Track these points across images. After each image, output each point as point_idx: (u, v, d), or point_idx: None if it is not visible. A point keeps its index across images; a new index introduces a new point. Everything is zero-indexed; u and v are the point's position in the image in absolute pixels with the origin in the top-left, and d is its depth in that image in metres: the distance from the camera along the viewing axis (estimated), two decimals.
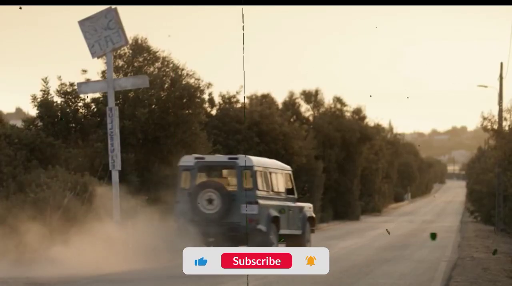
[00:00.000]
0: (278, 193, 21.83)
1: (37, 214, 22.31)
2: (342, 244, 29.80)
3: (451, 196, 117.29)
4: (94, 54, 22.70)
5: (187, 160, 21.58)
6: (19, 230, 21.97)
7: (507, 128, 34.45)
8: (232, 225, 20.65)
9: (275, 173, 21.98)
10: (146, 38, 29.12)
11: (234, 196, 20.62)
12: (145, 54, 28.83)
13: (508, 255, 25.04)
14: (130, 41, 26.37)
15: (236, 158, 21.24)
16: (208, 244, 20.67)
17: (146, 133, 27.55)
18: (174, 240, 20.68)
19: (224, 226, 20.66)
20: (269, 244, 20.69)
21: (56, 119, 27.26)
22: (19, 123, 27.93)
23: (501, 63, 44.50)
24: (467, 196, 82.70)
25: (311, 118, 54.14)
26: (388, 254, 25.24)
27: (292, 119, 47.49)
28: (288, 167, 23.24)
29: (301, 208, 22.72)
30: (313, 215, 23.27)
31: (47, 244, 21.99)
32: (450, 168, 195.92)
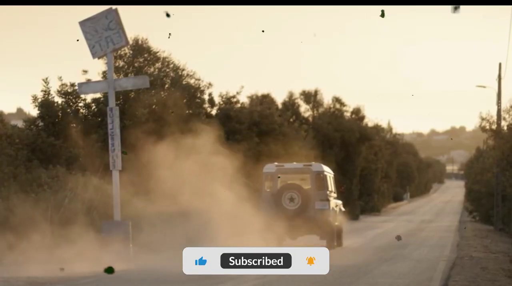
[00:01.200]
0: (332, 192, 26.91)
1: (38, 214, 22.39)
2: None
3: (450, 196, 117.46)
4: (94, 54, 22.76)
5: (270, 167, 26.36)
6: (20, 229, 22.04)
7: (505, 128, 34.53)
8: (308, 218, 25.49)
9: (330, 176, 27.04)
10: (146, 39, 29.28)
11: (309, 195, 25.62)
12: (145, 55, 28.95)
13: (507, 255, 25.12)
14: (130, 42, 26.47)
15: (310, 165, 26.50)
16: (290, 233, 25.56)
17: (146, 133, 27.64)
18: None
19: (302, 218, 25.36)
20: (333, 233, 26.22)
21: (56, 120, 27.37)
22: (20, 124, 28.05)
23: (500, 64, 44.64)
24: (465, 196, 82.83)
25: (310, 118, 54.26)
26: (387, 254, 25.31)
27: (291, 120, 47.58)
28: (331, 171, 27.95)
29: (339, 204, 27.89)
30: (343, 209, 28.68)
31: (48, 243, 22.06)
32: (449, 168, 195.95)
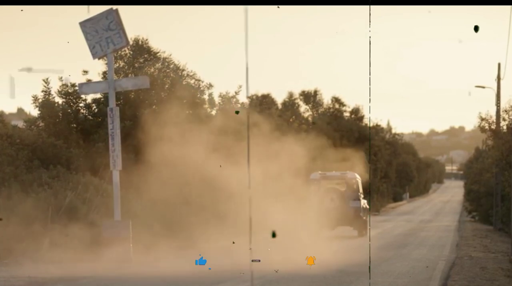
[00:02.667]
0: (361, 193, 34.53)
1: (39, 214, 22.45)
2: (340, 243, 29.98)
3: (449, 196, 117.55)
4: (95, 55, 22.81)
5: (315, 175, 33.94)
6: (21, 229, 22.10)
7: (505, 128, 34.59)
8: (344, 213, 33.03)
9: (359, 181, 34.36)
10: (146, 39, 29.32)
11: (345, 196, 33.63)
12: (145, 55, 29.00)
13: (506, 254, 25.21)
14: (130, 42, 26.52)
15: (345, 173, 34.44)
16: (330, 225, 32.41)
17: (147, 133, 27.70)
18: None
19: (339, 213, 32.64)
20: (363, 226, 33.97)
21: (57, 120, 27.43)
22: (20, 124, 28.12)
23: (499, 64, 44.66)
24: (465, 196, 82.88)
25: (310, 118, 54.36)
26: (386, 253, 25.41)
27: (291, 120, 47.64)
28: (360, 177, 34.92)
29: (365, 203, 35.03)
30: (368, 207, 35.98)
31: (48, 243, 22.12)
32: (448, 168, 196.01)
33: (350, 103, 67.40)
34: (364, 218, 34.40)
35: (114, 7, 22.44)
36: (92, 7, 23.11)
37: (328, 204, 33.13)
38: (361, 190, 34.75)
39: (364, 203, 34.88)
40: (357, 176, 34.70)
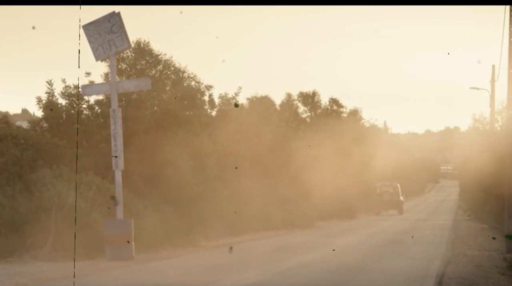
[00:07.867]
0: (400, 192, 65.69)
1: (42, 213, 22.67)
2: (339, 241, 30.25)
3: (444, 195, 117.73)
4: (98, 57, 23.11)
5: (378, 183, 63.38)
6: (25, 228, 22.35)
7: (499, 129, 34.92)
8: (393, 203, 64.16)
9: (400, 186, 66.01)
10: (148, 42, 29.54)
11: (393, 194, 64.70)
12: (147, 57, 29.22)
13: (500, 252, 25.49)
14: (132, 45, 26.78)
15: (392, 182, 66.39)
16: (384, 210, 64.19)
17: (148, 134, 27.95)
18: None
19: (390, 204, 64.06)
20: (402, 209, 64.36)
21: (61, 121, 27.63)
22: (25, 125, 28.34)
23: (493, 66, 44.94)
24: (460, 195, 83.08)
25: (308, 119, 54.52)
26: (383, 251, 25.67)
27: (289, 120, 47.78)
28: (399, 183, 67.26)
29: (403, 197, 66.57)
30: (403, 200, 66.92)
31: (52, 241, 22.34)
32: (444, 168, 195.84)
33: (348, 105, 67.50)
34: (402, 206, 64.20)
35: (116, 10, 22.78)
36: (93, 7, 23.45)
37: (384, 199, 63.16)
38: (400, 191, 64.79)
39: (402, 197, 65.04)
40: (398, 184, 65.33)
